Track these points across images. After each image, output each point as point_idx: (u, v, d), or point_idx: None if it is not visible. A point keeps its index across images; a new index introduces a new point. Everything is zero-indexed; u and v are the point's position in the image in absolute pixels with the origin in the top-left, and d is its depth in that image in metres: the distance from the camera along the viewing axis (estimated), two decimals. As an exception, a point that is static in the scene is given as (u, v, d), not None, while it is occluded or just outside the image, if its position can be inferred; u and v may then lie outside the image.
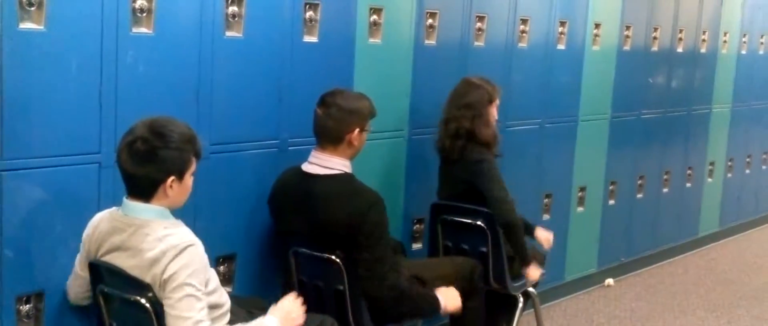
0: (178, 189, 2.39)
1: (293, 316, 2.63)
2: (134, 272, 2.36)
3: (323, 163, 3.06)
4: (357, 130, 3.05)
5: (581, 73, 4.82)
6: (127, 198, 2.42)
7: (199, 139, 2.46)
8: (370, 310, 3.05)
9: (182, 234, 2.37)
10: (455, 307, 3.24)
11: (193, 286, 2.31)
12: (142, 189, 2.37)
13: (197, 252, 2.34)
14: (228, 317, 2.56)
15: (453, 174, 3.69)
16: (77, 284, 2.56)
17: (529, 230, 3.85)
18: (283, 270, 3.18)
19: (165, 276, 2.31)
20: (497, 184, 3.58)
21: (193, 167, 2.43)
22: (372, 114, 3.13)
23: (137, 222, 2.38)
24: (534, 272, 3.78)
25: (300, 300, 2.70)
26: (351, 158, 3.10)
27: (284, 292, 3.15)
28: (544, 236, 3.89)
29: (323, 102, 3.06)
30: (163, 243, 2.32)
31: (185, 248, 2.32)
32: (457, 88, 3.70)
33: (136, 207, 2.39)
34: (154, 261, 2.32)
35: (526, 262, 3.73)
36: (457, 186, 3.67)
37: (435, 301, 3.17)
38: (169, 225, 2.38)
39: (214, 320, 2.47)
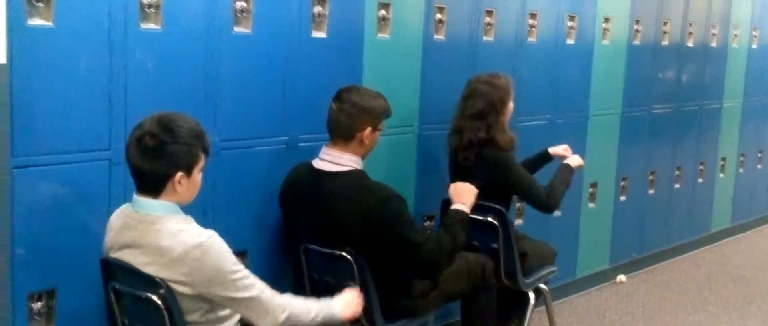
0: (186, 185, 2.38)
1: (352, 306, 2.75)
2: (148, 269, 2.35)
3: (334, 160, 3.04)
4: (369, 128, 3.04)
5: (591, 68, 4.80)
6: (136, 194, 2.41)
7: (207, 135, 2.45)
8: (382, 306, 3.04)
9: (196, 229, 2.37)
10: (473, 196, 3.31)
11: (234, 269, 2.37)
12: (151, 184, 2.36)
13: (218, 240, 2.36)
14: (238, 315, 2.56)
15: (468, 174, 3.64)
16: None
17: (545, 157, 3.95)
18: (293, 266, 3.17)
19: (201, 277, 2.33)
20: (525, 178, 3.65)
21: (201, 163, 2.42)
22: (387, 114, 3.12)
23: (148, 218, 2.37)
24: (575, 160, 3.91)
25: (361, 295, 2.83)
26: (363, 156, 3.09)
27: (295, 288, 3.16)
28: (561, 149, 3.98)
29: (339, 97, 3.05)
30: (180, 241, 2.32)
31: (207, 241, 2.33)
32: (466, 91, 3.65)
33: (145, 204, 2.38)
34: (178, 261, 2.32)
35: (573, 172, 3.86)
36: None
37: (465, 219, 3.24)
38: (180, 221, 2.37)
39: (226, 317, 2.47)
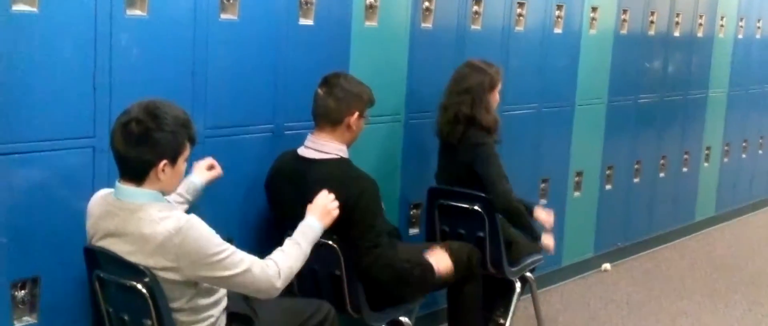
0: (170, 174, 2.37)
1: (329, 209, 2.76)
2: (131, 257, 2.34)
3: (320, 147, 3.04)
4: (356, 113, 3.04)
5: (578, 58, 4.81)
6: (119, 181, 2.39)
7: (194, 123, 2.44)
8: (368, 294, 3.04)
9: (177, 215, 2.35)
10: (447, 267, 3.25)
11: (217, 248, 2.35)
12: (134, 171, 2.35)
13: (197, 221, 2.35)
14: (225, 302, 2.56)
15: (454, 159, 3.66)
16: None
17: (529, 210, 3.84)
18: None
19: (185, 260, 2.31)
20: (496, 170, 3.57)
21: (186, 152, 2.41)
22: (371, 101, 3.12)
23: (130, 206, 2.35)
24: (548, 240, 3.77)
25: (332, 195, 2.80)
26: (348, 144, 3.09)
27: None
28: (544, 216, 3.87)
29: (326, 82, 3.04)
30: (162, 228, 2.30)
31: (185, 225, 2.31)
32: (458, 71, 3.68)
33: (128, 192, 2.36)
34: (160, 247, 2.30)
35: (536, 238, 3.75)
36: (458, 170, 3.65)
37: (429, 268, 3.20)
38: (163, 209, 2.35)
39: (211, 304, 2.47)
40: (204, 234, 2.35)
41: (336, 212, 2.78)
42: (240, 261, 2.40)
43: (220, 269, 2.36)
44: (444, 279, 3.30)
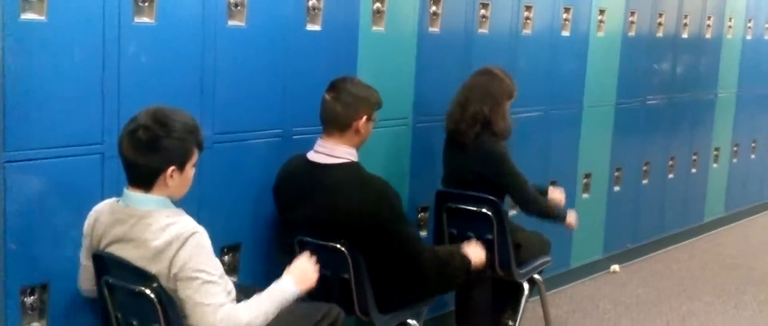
0: (178, 180, 2.38)
1: (308, 275, 2.66)
2: (139, 263, 2.35)
3: (329, 152, 3.04)
4: (365, 117, 3.04)
5: (586, 60, 4.80)
6: (127, 188, 2.40)
7: (202, 130, 2.45)
8: (376, 297, 3.05)
9: (185, 222, 2.36)
10: (480, 259, 3.28)
11: (206, 272, 2.32)
12: (143, 178, 2.36)
13: (202, 239, 2.34)
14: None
15: (464, 161, 3.66)
16: (86, 277, 2.55)
17: (542, 193, 3.90)
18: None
19: (175, 269, 2.31)
20: (521, 179, 3.65)
21: (194, 158, 2.42)
22: (379, 104, 3.12)
23: (138, 212, 2.37)
24: (571, 219, 3.89)
25: (313, 259, 2.71)
26: (357, 147, 3.09)
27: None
28: (557, 195, 3.94)
29: (333, 87, 3.05)
30: (166, 234, 2.31)
31: (190, 236, 2.31)
32: (480, 76, 3.67)
33: (136, 198, 2.38)
34: (160, 252, 2.31)
35: (562, 219, 3.85)
36: (467, 174, 3.65)
37: (466, 259, 3.22)
38: (171, 215, 2.37)
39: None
40: (203, 250, 2.32)
41: (314, 279, 2.67)
42: (216, 294, 2.32)
43: (193, 291, 2.30)
44: (477, 270, 3.33)
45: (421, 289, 3.16)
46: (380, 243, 2.97)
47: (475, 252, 3.28)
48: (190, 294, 2.32)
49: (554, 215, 3.81)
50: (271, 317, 2.47)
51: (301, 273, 2.66)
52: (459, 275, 3.23)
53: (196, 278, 2.31)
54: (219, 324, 2.32)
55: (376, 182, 3.01)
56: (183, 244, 2.30)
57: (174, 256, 2.30)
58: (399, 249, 2.99)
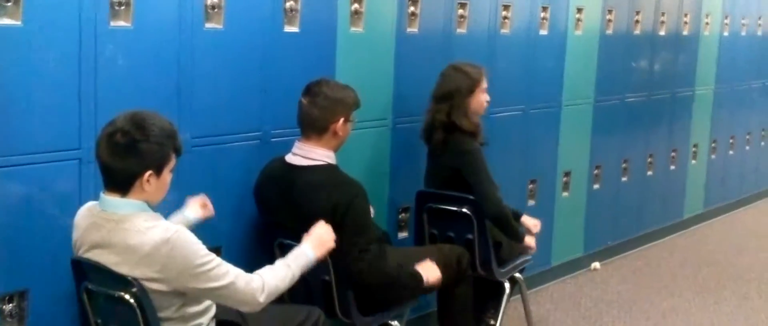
0: (155, 185, 2.37)
1: (324, 240, 2.75)
2: (119, 268, 2.34)
3: (307, 154, 3.04)
4: (342, 119, 3.04)
5: (564, 58, 4.82)
6: (103, 192, 2.39)
7: (179, 135, 2.44)
8: (357, 300, 3.05)
9: (164, 225, 2.35)
10: (436, 278, 3.26)
11: (204, 260, 2.35)
12: (119, 182, 2.35)
13: (184, 233, 2.34)
14: (213, 309, 2.56)
15: (439, 163, 3.69)
16: None
17: (516, 217, 3.85)
18: (268, 262, 3.16)
19: (173, 272, 2.31)
20: (485, 177, 3.60)
21: (172, 163, 2.41)
22: (356, 104, 3.12)
23: (116, 217, 2.35)
24: (530, 241, 3.85)
25: (329, 226, 2.78)
26: (335, 149, 3.10)
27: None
28: (531, 222, 3.90)
29: (309, 91, 3.05)
30: (148, 238, 2.30)
31: (173, 236, 2.31)
32: (441, 75, 3.69)
33: (113, 203, 2.36)
34: (146, 257, 2.30)
35: (519, 240, 3.80)
36: (444, 173, 3.67)
37: (418, 277, 3.21)
38: (148, 218, 2.36)
39: (201, 312, 2.47)
40: (191, 245, 2.35)
41: (331, 244, 2.76)
42: (225, 274, 2.40)
43: (206, 280, 2.36)
44: (432, 287, 3.32)
45: (366, 296, 3.11)
46: (343, 243, 2.96)
47: (429, 270, 3.25)
48: (209, 286, 2.36)
49: (513, 229, 3.73)
50: (296, 278, 2.61)
51: (318, 238, 2.74)
52: (406, 293, 3.23)
53: (201, 271, 2.34)
54: (255, 292, 2.43)
55: (351, 185, 3.02)
56: (173, 247, 2.30)
57: (168, 261, 2.30)
58: (348, 252, 2.97)
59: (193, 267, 2.33)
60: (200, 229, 2.45)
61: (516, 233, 3.77)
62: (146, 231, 2.32)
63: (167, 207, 2.52)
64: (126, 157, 2.31)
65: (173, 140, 2.39)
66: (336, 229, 2.91)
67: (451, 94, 3.61)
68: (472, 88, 3.64)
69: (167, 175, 2.40)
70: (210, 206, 2.90)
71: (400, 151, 3.86)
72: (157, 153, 2.34)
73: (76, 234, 2.45)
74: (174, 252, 2.31)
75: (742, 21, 6.67)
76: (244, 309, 2.51)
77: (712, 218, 6.79)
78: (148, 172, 2.33)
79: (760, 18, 6.91)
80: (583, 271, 5.31)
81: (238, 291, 2.42)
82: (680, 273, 5.41)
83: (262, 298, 2.47)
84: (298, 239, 2.98)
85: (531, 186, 4.75)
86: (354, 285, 3.03)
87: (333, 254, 2.94)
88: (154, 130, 2.33)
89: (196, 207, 2.87)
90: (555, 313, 4.60)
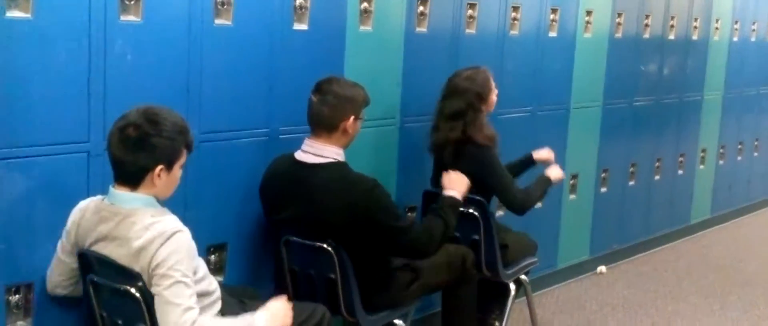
0: (166, 180, 2.37)
1: (280, 316, 2.56)
2: (123, 261, 2.34)
3: (317, 152, 3.04)
4: (352, 117, 3.04)
5: (573, 61, 4.82)
6: (113, 186, 2.40)
7: (191, 131, 2.45)
8: (362, 297, 3.05)
9: (169, 221, 2.35)
10: (465, 184, 3.34)
11: (181, 272, 2.29)
12: (130, 176, 2.35)
13: (184, 239, 2.33)
14: (219, 305, 2.56)
15: (449, 167, 3.65)
16: (58, 270, 2.53)
17: (530, 161, 3.98)
18: (274, 259, 3.17)
19: (153, 264, 2.29)
20: (507, 180, 3.63)
21: (183, 159, 2.42)
22: (366, 102, 3.12)
23: (123, 211, 2.36)
24: (555, 172, 3.91)
25: (289, 304, 2.62)
26: (345, 147, 3.09)
27: (276, 281, 3.16)
28: (544, 155, 3.98)
29: (319, 89, 3.05)
30: (150, 232, 2.31)
31: (172, 235, 2.31)
32: (445, 92, 3.63)
33: (122, 197, 2.37)
34: (142, 249, 2.31)
35: (551, 185, 3.88)
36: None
37: (456, 204, 3.28)
38: (155, 214, 2.36)
39: (204, 308, 2.46)
40: (182, 250, 2.30)
41: (288, 322, 2.57)
42: (185, 299, 2.28)
43: (164, 288, 2.27)
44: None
45: (369, 290, 3.12)
46: (374, 241, 2.97)
47: (454, 182, 3.33)
48: (161, 291, 2.28)
49: (543, 190, 3.81)
50: None
51: (274, 314, 2.54)
52: (451, 225, 3.23)
53: (170, 276, 2.28)
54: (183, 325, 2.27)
55: (365, 181, 3.01)
56: (164, 242, 2.29)
57: (154, 253, 2.29)
58: (396, 244, 3.03)
59: (167, 267, 2.27)
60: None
61: (545, 192, 3.84)
62: (150, 226, 2.32)
63: (175, 202, 2.51)
64: (137, 151, 2.32)
65: (185, 136, 2.40)
66: (355, 228, 2.92)
67: (464, 111, 3.57)
68: (484, 97, 3.61)
69: (178, 171, 2.41)
70: None
71: (408, 151, 3.86)
72: (168, 148, 2.35)
73: (81, 226, 2.45)
74: (164, 247, 2.28)
75: (752, 26, 6.66)
76: None
77: (720, 224, 6.77)
78: (159, 167, 2.34)
79: (770, 23, 6.90)
80: (589, 275, 5.30)
81: (171, 316, 2.27)
82: (686, 279, 5.39)
83: None
84: (304, 236, 3.00)
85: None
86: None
87: (340, 252, 2.95)
88: (167, 125, 2.34)
89: None
90: (560, 316, 4.59)
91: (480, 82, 3.61)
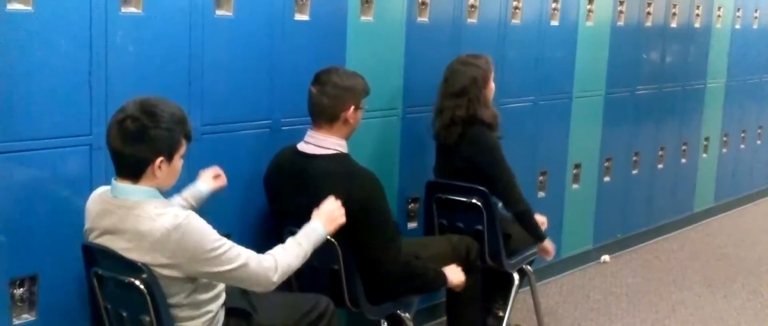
0: (166, 171, 2.37)
1: (335, 216, 2.77)
2: (129, 254, 2.34)
3: (319, 143, 3.04)
4: (352, 107, 3.04)
5: (575, 50, 4.80)
6: (115, 179, 2.40)
7: (190, 121, 2.44)
8: (366, 288, 3.05)
9: (174, 212, 2.35)
10: (460, 281, 3.29)
11: (215, 243, 2.36)
12: (131, 168, 2.35)
13: (195, 219, 2.35)
14: (223, 297, 2.56)
15: (453, 155, 3.65)
16: None
17: None
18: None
19: (183, 259, 2.32)
20: (507, 174, 3.61)
21: (182, 149, 2.41)
22: (366, 92, 3.11)
23: (127, 203, 2.36)
24: (549, 245, 3.85)
25: (339, 202, 2.80)
26: (346, 137, 3.09)
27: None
28: (539, 219, 3.89)
29: (318, 80, 3.04)
30: (159, 224, 2.30)
31: (184, 222, 2.31)
32: (448, 70, 3.65)
33: (125, 189, 2.37)
34: (157, 243, 2.31)
35: (541, 239, 3.81)
36: (457, 163, 3.64)
37: (442, 276, 3.23)
38: (159, 205, 2.36)
39: (208, 301, 2.47)
40: (202, 230, 2.35)
41: (342, 219, 2.79)
42: (237, 256, 2.41)
43: (218, 264, 2.37)
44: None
45: (383, 289, 3.12)
46: (360, 234, 2.96)
47: (455, 274, 3.28)
48: (220, 271, 2.38)
49: (534, 227, 3.75)
50: (308, 255, 2.65)
51: (329, 215, 2.76)
52: (428, 288, 3.27)
53: (213, 256, 2.35)
54: (268, 272, 2.46)
55: (367, 176, 3.01)
56: (184, 232, 2.31)
57: (178, 247, 2.31)
58: (376, 246, 2.99)
59: (205, 252, 2.34)
60: (211, 216, 2.45)
61: (538, 231, 3.78)
62: (157, 218, 2.32)
63: (178, 193, 2.51)
64: (136, 144, 2.32)
65: (183, 126, 2.39)
66: (355, 222, 2.91)
67: (467, 88, 3.57)
68: (486, 77, 3.62)
69: (178, 161, 2.41)
70: (223, 176, 2.92)
71: (410, 141, 3.85)
72: (167, 139, 2.34)
73: (86, 220, 2.45)
74: (185, 238, 2.31)
75: (755, 14, 6.64)
76: (257, 289, 2.51)
77: (723, 212, 6.76)
78: (159, 159, 2.34)
79: (772, 11, 6.88)
80: (593, 264, 5.29)
81: (250, 272, 2.43)
82: (690, 267, 5.39)
83: (275, 278, 2.48)
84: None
85: (541, 177, 4.74)
86: (375, 276, 3.04)
87: (349, 245, 2.95)
88: (164, 116, 2.33)
89: (209, 179, 2.88)
90: (564, 305, 4.59)
91: (482, 64, 3.63)
